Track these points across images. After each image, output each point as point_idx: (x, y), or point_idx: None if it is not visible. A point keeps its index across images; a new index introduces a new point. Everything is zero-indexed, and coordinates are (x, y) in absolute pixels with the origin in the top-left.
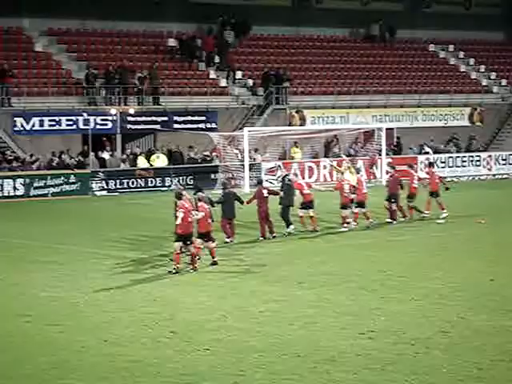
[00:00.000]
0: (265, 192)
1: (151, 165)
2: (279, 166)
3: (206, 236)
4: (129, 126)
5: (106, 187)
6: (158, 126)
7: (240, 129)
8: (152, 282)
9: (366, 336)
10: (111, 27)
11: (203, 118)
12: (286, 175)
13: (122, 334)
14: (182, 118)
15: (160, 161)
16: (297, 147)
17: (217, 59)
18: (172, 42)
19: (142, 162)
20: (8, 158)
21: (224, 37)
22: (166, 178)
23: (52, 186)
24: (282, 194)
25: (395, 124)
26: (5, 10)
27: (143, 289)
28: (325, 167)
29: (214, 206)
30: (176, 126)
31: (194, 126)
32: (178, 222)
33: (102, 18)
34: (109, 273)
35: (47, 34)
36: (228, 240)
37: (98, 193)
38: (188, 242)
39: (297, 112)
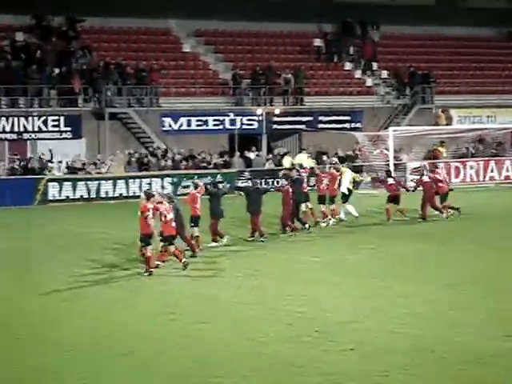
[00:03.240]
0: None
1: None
2: (424, 165)
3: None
4: (274, 126)
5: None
6: (302, 126)
7: (385, 128)
8: (295, 281)
9: (506, 338)
10: (258, 28)
11: (348, 118)
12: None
13: (266, 332)
14: (326, 118)
15: (308, 160)
16: (442, 147)
17: (362, 58)
18: (318, 42)
19: (287, 162)
20: (158, 156)
21: (369, 36)
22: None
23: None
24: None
25: None
26: (153, 12)
27: (286, 288)
28: (471, 167)
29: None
30: (321, 125)
31: (339, 125)
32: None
33: (249, 19)
34: (253, 271)
35: (195, 35)
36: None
37: None
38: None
39: (443, 111)
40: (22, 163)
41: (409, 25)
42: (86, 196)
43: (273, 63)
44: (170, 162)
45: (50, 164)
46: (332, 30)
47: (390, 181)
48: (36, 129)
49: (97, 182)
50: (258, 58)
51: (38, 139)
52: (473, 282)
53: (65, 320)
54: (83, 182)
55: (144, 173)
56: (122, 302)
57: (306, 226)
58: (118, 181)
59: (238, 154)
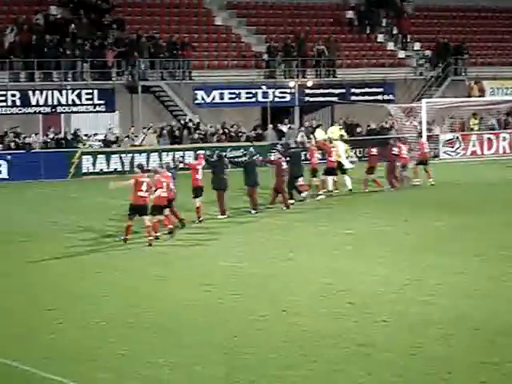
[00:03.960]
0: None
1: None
2: (457, 137)
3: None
4: (306, 99)
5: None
6: (335, 99)
7: (418, 100)
8: (329, 254)
9: None
10: (290, 0)
11: (380, 90)
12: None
13: (299, 304)
14: (359, 90)
15: (337, 133)
16: (475, 119)
17: (395, 30)
18: (350, 14)
19: (319, 135)
20: (190, 129)
21: (401, 7)
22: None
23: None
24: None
25: None
26: None
27: (320, 261)
28: (504, 139)
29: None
30: (353, 98)
31: (372, 98)
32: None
33: None
34: (287, 244)
35: (227, 8)
36: (304, 195)
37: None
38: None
39: (476, 83)
40: (55, 136)
41: None
42: (119, 169)
43: (305, 35)
44: (203, 135)
45: (83, 137)
46: (363, 2)
47: (374, 151)
48: (70, 102)
49: (130, 154)
50: (290, 30)
51: (72, 112)
52: (507, 254)
53: (98, 292)
54: (117, 155)
55: (176, 146)
56: (157, 273)
57: (303, 194)
58: (152, 154)
59: (270, 126)
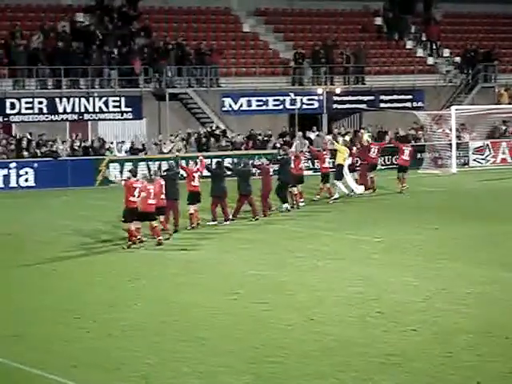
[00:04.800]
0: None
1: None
2: (487, 144)
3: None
4: (335, 106)
5: (311, 167)
6: (363, 106)
7: (447, 107)
8: (357, 262)
9: None
10: (318, 7)
11: (409, 97)
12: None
13: (328, 312)
14: (388, 97)
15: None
16: (504, 126)
17: (424, 37)
18: (379, 21)
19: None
20: (217, 136)
21: (430, 14)
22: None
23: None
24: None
25: None
26: None
27: (348, 269)
28: None
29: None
30: (382, 105)
31: (400, 104)
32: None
33: None
34: (314, 252)
35: (255, 15)
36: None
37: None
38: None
39: (506, 90)
40: (82, 144)
41: (470, 2)
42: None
43: (333, 42)
44: (230, 143)
45: (110, 145)
46: (387, 7)
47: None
48: (97, 110)
49: (158, 162)
50: (318, 37)
51: (99, 120)
52: None
53: (126, 300)
54: (144, 163)
55: (204, 153)
56: (185, 281)
57: (286, 205)
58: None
59: (299, 134)
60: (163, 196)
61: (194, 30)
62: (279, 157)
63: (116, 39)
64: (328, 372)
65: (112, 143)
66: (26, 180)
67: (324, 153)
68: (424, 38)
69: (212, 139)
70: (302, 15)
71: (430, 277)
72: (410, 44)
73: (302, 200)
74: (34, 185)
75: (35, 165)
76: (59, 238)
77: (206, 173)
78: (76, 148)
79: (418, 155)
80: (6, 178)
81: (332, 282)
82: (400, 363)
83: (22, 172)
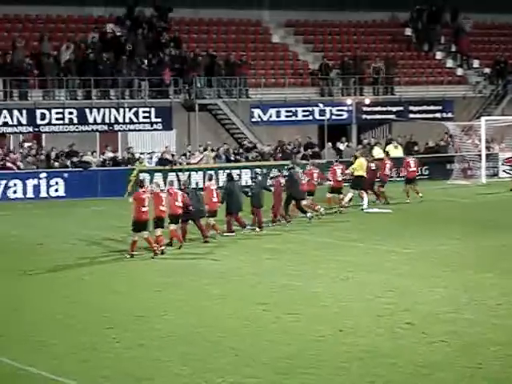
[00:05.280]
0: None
1: (388, 154)
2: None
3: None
4: (364, 117)
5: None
6: (393, 116)
7: (477, 118)
8: (387, 273)
9: None
10: (347, 17)
11: (439, 108)
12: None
13: (358, 323)
14: (417, 108)
15: (396, 151)
16: None
17: (453, 48)
18: (408, 32)
19: (377, 153)
20: (247, 147)
21: (460, 24)
22: (402, 169)
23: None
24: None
25: None
26: (243, 3)
27: (378, 280)
28: None
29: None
30: (411, 115)
31: (430, 115)
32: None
33: (338, 9)
34: (344, 263)
35: (284, 26)
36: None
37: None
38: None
39: None
40: (112, 155)
41: (499, 13)
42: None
43: (362, 53)
44: (260, 154)
45: (140, 155)
46: (419, 18)
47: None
48: (127, 120)
49: (187, 173)
50: (347, 47)
51: (129, 131)
52: None
53: (157, 310)
54: (174, 173)
55: (233, 164)
56: (216, 291)
57: (309, 214)
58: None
59: (329, 145)
60: (179, 204)
61: (224, 40)
62: (286, 171)
63: (146, 50)
64: (358, 383)
65: (142, 154)
66: (56, 190)
67: (337, 165)
68: (454, 49)
69: (241, 150)
70: (331, 26)
71: (458, 288)
72: (439, 55)
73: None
74: (64, 195)
75: (65, 175)
76: (88, 247)
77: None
78: (106, 158)
79: (448, 166)
80: (37, 188)
81: (362, 293)
82: (429, 374)
83: (52, 182)
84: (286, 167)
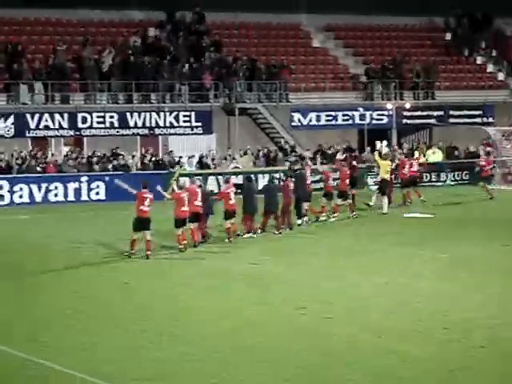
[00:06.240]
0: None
1: (427, 159)
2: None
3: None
4: (404, 121)
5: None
6: (433, 121)
7: None
8: (423, 278)
9: None
10: (387, 22)
11: (479, 113)
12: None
13: (395, 329)
14: (457, 113)
15: (436, 156)
16: None
17: (494, 52)
18: (448, 36)
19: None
20: (286, 151)
21: (500, 29)
22: (441, 173)
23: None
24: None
25: None
26: (283, 7)
27: (413, 285)
28: None
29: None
30: (452, 120)
31: (470, 120)
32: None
33: (378, 13)
34: (380, 268)
35: (324, 30)
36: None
37: (373, 187)
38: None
39: None
40: (153, 158)
41: None
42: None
43: (403, 57)
44: (300, 158)
45: (180, 159)
46: (458, 23)
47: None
48: (167, 124)
49: (227, 176)
50: (387, 52)
51: (170, 134)
52: None
53: (195, 312)
54: (214, 177)
55: (272, 167)
56: (258, 296)
57: (305, 219)
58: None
59: (368, 149)
60: (198, 203)
61: (264, 44)
62: (293, 172)
63: (187, 54)
64: None
65: (182, 157)
66: (97, 193)
67: (345, 170)
68: (494, 54)
69: (280, 154)
70: (371, 30)
71: (497, 293)
72: (480, 59)
73: (334, 214)
74: (104, 198)
75: (106, 178)
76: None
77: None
78: (146, 162)
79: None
80: (78, 191)
81: (400, 298)
82: (464, 380)
83: (93, 185)
84: (292, 170)
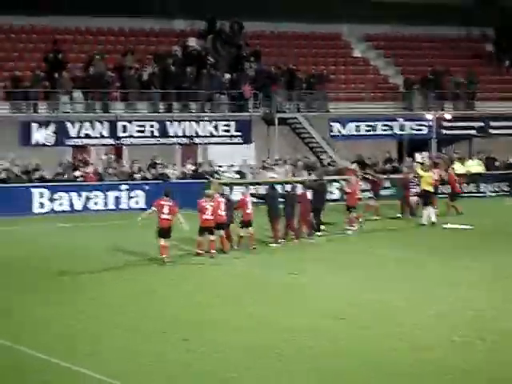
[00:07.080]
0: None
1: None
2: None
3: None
4: (444, 132)
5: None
6: (473, 132)
7: None
8: (457, 286)
9: None
10: (427, 32)
11: None
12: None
13: (429, 337)
14: (498, 124)
15: (476, 166)
16: None
17: None
18: (489, 47)
19: (457, 168)
20: (326, 163)
21: None
22: (482, 184)
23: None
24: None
25: None
26: (323, 17)
27: (447, 293)
28: None
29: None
30: (492, 131)
31: (511, 131)
32: None
33: (418, 24)
34: (413, 276)
35: (365, 40)
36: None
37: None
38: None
39: None
40: (192, 167)
41: None
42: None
43: (443, 68)
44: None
45: (220, 168)
46: (498, 35)
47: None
48: (207, 134)
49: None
50: (427, 62)
51: (209, 144)
52: None
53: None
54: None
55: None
56: (288, 303)
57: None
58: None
59: (408, 159)
60: (222, 212)
61: (304, 54)
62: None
63: (227, 64)
64: None
65: (221, 167)
66: (137, 202)
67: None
68: None
69: (319, 164)
70: (411, 40)
71: None
72: None
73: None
74: (144, 207)
75: (146, 187)
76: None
77: None
78: (186, 171)
79: None
80: (118, 199)
81: (432, 306)
82: None
83: (132, 194)
84: (311, 181)
